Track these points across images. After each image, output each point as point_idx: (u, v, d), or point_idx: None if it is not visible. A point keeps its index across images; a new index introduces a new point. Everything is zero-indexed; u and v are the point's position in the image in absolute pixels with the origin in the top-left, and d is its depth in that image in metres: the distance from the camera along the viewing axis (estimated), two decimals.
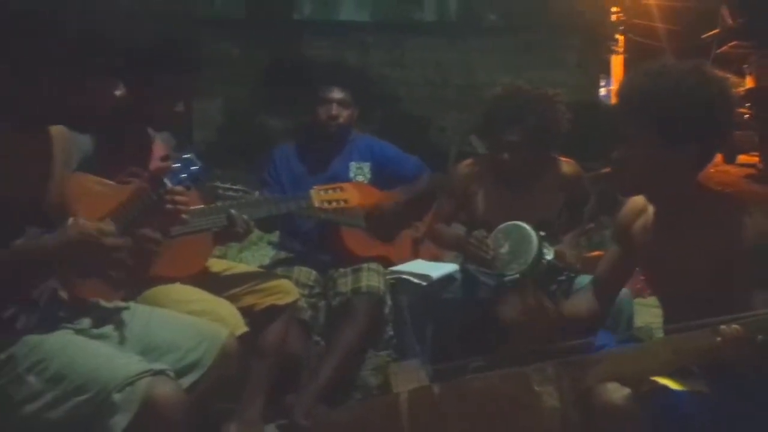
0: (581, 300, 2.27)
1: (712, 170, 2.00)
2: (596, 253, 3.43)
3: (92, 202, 1.97)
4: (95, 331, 1.91)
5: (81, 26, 1.73)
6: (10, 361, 1.73)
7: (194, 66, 2.35)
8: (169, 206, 1.99)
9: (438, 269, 2.99)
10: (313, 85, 3.37)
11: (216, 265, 2.61)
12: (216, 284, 2.45)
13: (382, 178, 3.32)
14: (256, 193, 2.65)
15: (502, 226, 2.75)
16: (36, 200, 1.82)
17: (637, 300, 2.93)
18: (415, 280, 2.85)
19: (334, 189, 2.74)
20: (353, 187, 2.80)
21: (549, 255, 2.70)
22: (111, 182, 2.12)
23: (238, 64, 6.80)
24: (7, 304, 1.74)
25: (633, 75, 1.97)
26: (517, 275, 2.66)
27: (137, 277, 2.13)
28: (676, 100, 1.85)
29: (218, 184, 2.54)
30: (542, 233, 2.71)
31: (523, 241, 2.69)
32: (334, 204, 2.73)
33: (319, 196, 2.71)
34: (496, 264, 2.71)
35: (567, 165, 3.04)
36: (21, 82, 1.74)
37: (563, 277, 2.74)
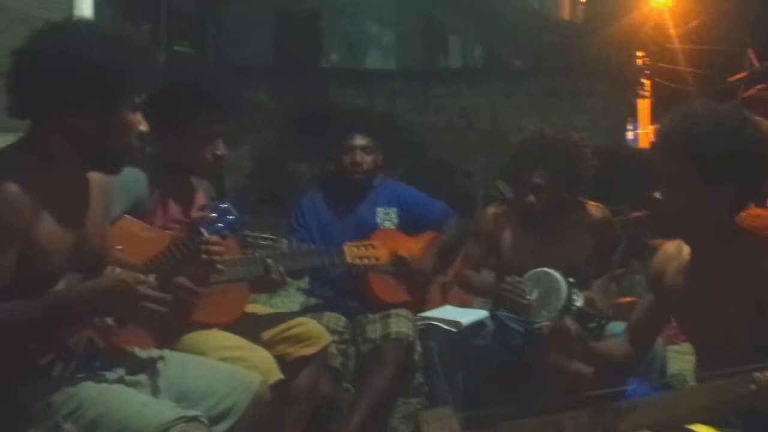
0: (615, 344, 2.26)
1: (743, 214, 2.01)
2: (627, 299, 3.41)
3: (138, 247, 2.01)
4: (130, 378, 1.92)
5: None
6: (48, 409, 1.75)
7: (236, 109, 2.43)
8: (204, 257, 2.02)
9: (468, 315, 2.99)
10: (339, 131, 3.42)
11: (250, 309, 2.64)
12: (250, 330, 2.47)
13: (408, 223, 3.34)
14: (284, 242, 2.68)
15: (530, 273, 2.75)
16: (76, 246, 1.86)
17: (671, 347, 2.90)
18: (446, 327, 2.85)
19: (366, 246, 2.81)
20: (383, 244, 2.86)
21: (579, 302, 2.69)
22: (156, 228, 2.17)
23: (267, 111, 6.91)
24: (45, 351, 1.77)
25: (672, 116, 1.98)
26: (547, 323, 2.66)
27: (175, 327, 2.16)
28: (716, 140, 1.87)
29: (248, 233, 2.58)
30: (571, 280, 2.70)
31: (552, 288, 2.68)
32: (365, 261, 2.79)
33: (352, 252, 2.77)
34: (526, 311, 2.70)
35: (596, 209, 3.04)
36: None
37: (594, 324, 2.72)
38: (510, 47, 6.98)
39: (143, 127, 1.86)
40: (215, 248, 2.04)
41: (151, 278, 1.82)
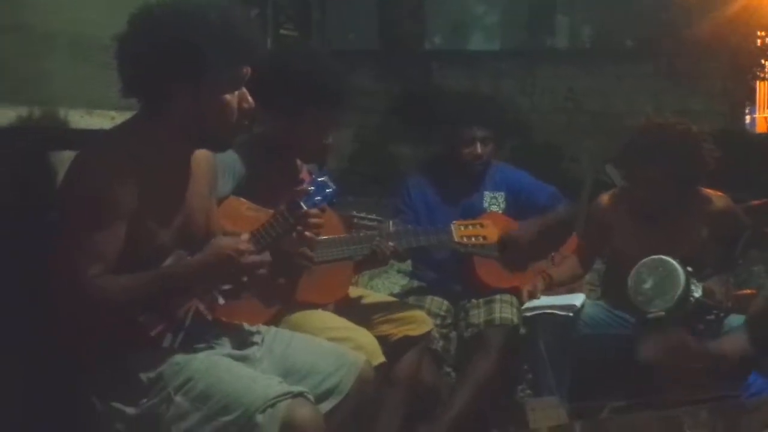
0: (734, 339, 2.15)
1: None
2: (747, 291, 3.22)
3: (244, 226, 2.04)
4: (237, 352, 1.95)
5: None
6: (160, 380, 1.80)
7: (347, 100, 2.42)
8: (301, 228, 2.03)
9: (572, 300, 2.89)
10: (446, 115, 3.36)
11: (353, 292, 2.64)
12: (353, 311, 2.47)
13: (516, 207, 3.26)
14: (390, 222, 2.66)
15: (646, 260, 2.64)
16: (183, 224, 1.89)
17: None
18: (561, 312, 2.76)
19: (474, 225, 2.74)
20: (493, 224, 2.78)
21: (697, 292, 2.56)
22: (262, 208, 2.19)
23: (370, 95, 6.92)
24: (155, 322, 1.80)
25: None
26: (662, 313, 2.54)
27: (280, 300, 2.18)
28: None
29: (355, 213, 2.57)
30: (690, 269, 2.58)
31: (668, 276, 2.57)
32: (473, 240, 2.72)
33: (460, 231, 2.71)
34: (640, 300, 2.59)
35: (717, 198, 2.89)
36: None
37: (712, 316, 2.60)
38: (622, 27, 6.72)
39: (249, 104, 1.86)
40: (314, 220, 2.04)
41: (250, 244, 1.83)
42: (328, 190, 1.96)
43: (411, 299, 3.08)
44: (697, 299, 2.56)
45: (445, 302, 3.11)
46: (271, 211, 2.02)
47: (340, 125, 2.46)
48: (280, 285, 2.02)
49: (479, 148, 3.17)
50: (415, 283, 3.36)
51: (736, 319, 2.59)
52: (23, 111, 1.99)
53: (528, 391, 3.05)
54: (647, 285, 2.61)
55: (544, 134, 6.55)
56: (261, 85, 1.90)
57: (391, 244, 2.51)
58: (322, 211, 2.03)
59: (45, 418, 1.93)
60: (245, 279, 1.84)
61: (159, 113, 1.83)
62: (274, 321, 2.23)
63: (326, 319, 2.35)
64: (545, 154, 6.27)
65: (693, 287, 2.56)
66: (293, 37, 5.60)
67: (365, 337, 2.30)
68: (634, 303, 2.62)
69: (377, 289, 4.11)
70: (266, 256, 1.87)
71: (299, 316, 2.31)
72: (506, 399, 3.06)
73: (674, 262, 2.58)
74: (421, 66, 7.15)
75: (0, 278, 1.89)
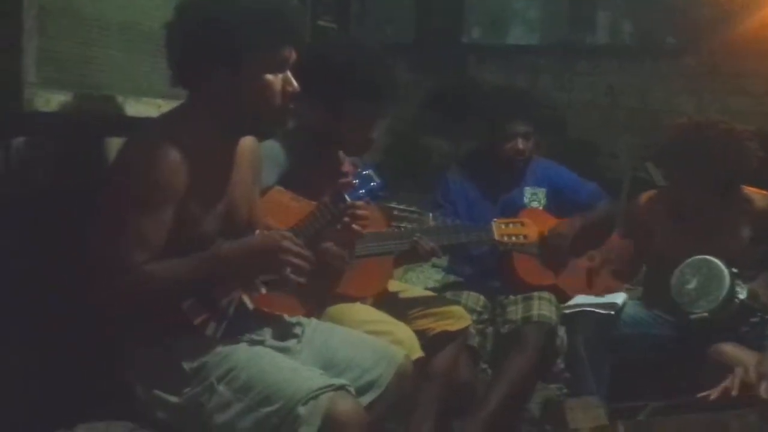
0: None
1: None
2: None
3: (287, 216, 2.04)
4: (279, 344, 1.96)
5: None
6: (203, 369, 1.80)
7: (393, 94, 2.39)
8: (347, 220, 2.02)
9: (613, 299, 2.85)
10: (486, 110, 3.33)
11: (391, 286, 2.63)
12: (392, 305, 2.47)
13: (557, 203, 3.23)
14: (430, 215, 2.64)
15: (690, 260, 2.60)
16: (226, 212, 1.89)
17: None
18: (602, 311, 2.72)
19: (515, 223, 2.73)
20: (533, 222, 2.77)
21: (742, 294, 2.52)
22: (305, 198, 2.19)
23: (407, 88, 6.89)
24: (198, 311, 1.80)
25: None
26: (706, 314, 2.50)
27: (321, 293, 2.17)
28: None
29: (394, 205, 2.56)
30: (735, 270, 2.53)
31: (713, 277, 2.52)
32: (513, 239, 2.71)
33: (501, 229, 2.70)
34: (683, 300, 2.55)
35: (760, 198, 2.83)
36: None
37: (756, 319, 2.55)
38: (663, 23, 6.61)
39: (293, 87, 1.84)
40: (359, 212, 2.03)
41: (295, 237, 1.82)
42: (372, 184, 1.94)
43: (448, 294, 3.07)
44: (741, 301, 2.51)
45: (482, 298, 3.09)
46: (314, 202, 2.01)
47: (384, 119, 2.44)
48: (318, 282, 2.01)
49: (521, 144, 3.14)
50: (452, 278, 3.34)
51: None
52: (72, 97, 2.00)
53: (565, 390, 3.03)
54: (691, 285, 2.56)
55: (582, 130, 6.47)
56: (303, 76, 1.89)
57: (431, 243, 2.50)
58: (367, 203, 2.02)
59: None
60: (288, 270, 1.84)
61: (203, 99, 1.83)
62: (312, 314, 2.22)
63: (365, 312, 2.35)
64: (583, 150, 6.19)
65: (738, 289, 2.52)
66: (331, 29, 5.58)
67: (404, 331, 2.29)
68: (678, 303, 2.58)
69: (412, 282, 4.10)
70: (311, 255, 1.85)
71: (338, 309, 2.31)
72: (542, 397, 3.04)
73: (719, 263, 2.54)
74: (458, 59, 7.10)
75: (50, 263, 1.91)
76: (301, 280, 1.81)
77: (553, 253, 3.07)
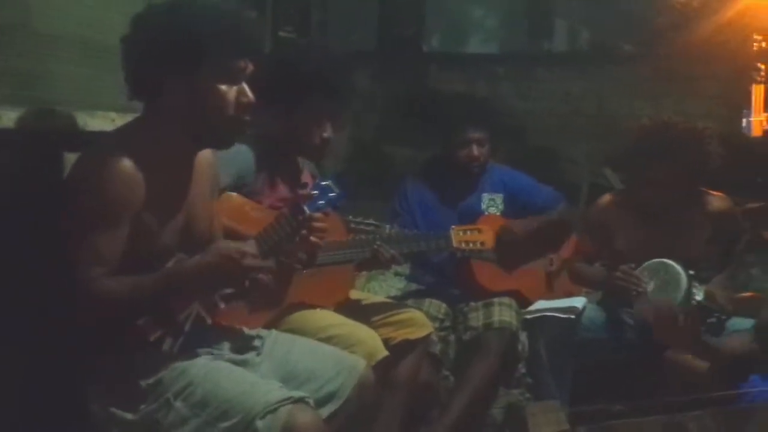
0: (737, 341, 2.14)
1: None
2: (749, 294, 3.22)
3: (249, 226, 2.02)
4: (237, 357, 1.94)
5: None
6: (159, 385, 1.78)
7: (344, 91, 2.42)
8: (305, 232, 2.01)
9: (574, 302, 2.88)
10: (442, 117, 3.35)
11: (352, 294, 2.62)
12: (354, 313, 2.46)
13: (515, 208, 3.25)
14: (387, 227, 2.65)
15: (648, 263, 2.64)
16: (185, 226, 1.87)
17: None
18: (562, 315, 2.75)
19: (472, 230, 2.75)
20: (490, 228, 2.79)
21: (699, 295, 2.56)
22: (264, 207, 2.17)
23: (368, 96, 6.91)
24: (154, 326, 1.78)
25: None
26: None
27: (276, 303, 2.16)
28: None
29: (351, 218, 2.57)
30: (692, 272, 2.57)
31: (671, 280, 2.57)
32: (471, 245, 2.72)
33: (459, 236, 2.72)
34: (641, 303, 2.59)
35: (718, 200, 2.88)
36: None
37: (713, 320, 2.59)
38: (620, 30, 6.73)
39: (248, 98, 1.84)
40: (317, 224, 2.02)
41: (254, 248, 1.81)
42: (331, 194, 1.94)
43: (409, 302, 3.06)
44: (699, 302, 2.56)
45: (444, 305, 3.09)
46: (274, 211, 2.00)
47: (337, 117, 2.45)
48: (275, 289, 2.00)
49: (475, 150, 3.16)
50: (414, 286, 3.34)
51: (737, 323, 2.58)
52: (25, 112, 1.98)
53: (527, 395, 3.04)
54: (650, 288, 2.60)
55: (541, 137, 6.54)
56: (259, 86, 1.89)
57: (392, 251, 2.51)
58: (326, 215, 2.01)
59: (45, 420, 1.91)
60: (247, 283, 1.82)
61: (158, 111, 1.82)
62: (272, 323, 2.22)
63: (326, 317, 2.34)
64: (542, 157, 6.26)
65: (695, 291, 2.56)
66: (292, 40, 5.58)
67: (366, 332, 2.29)
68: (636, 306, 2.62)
69: (375, 292, 4.09)
70: (269, 261, 1.85)
71: (299, 316, 2.31)
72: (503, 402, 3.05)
73: (677, 266, 2.58)
74: (419, 68, 7.14)
75: (9, 278, 1.88)
76: (260, 295, 1.80)
77: (505, 252, 3.08)
